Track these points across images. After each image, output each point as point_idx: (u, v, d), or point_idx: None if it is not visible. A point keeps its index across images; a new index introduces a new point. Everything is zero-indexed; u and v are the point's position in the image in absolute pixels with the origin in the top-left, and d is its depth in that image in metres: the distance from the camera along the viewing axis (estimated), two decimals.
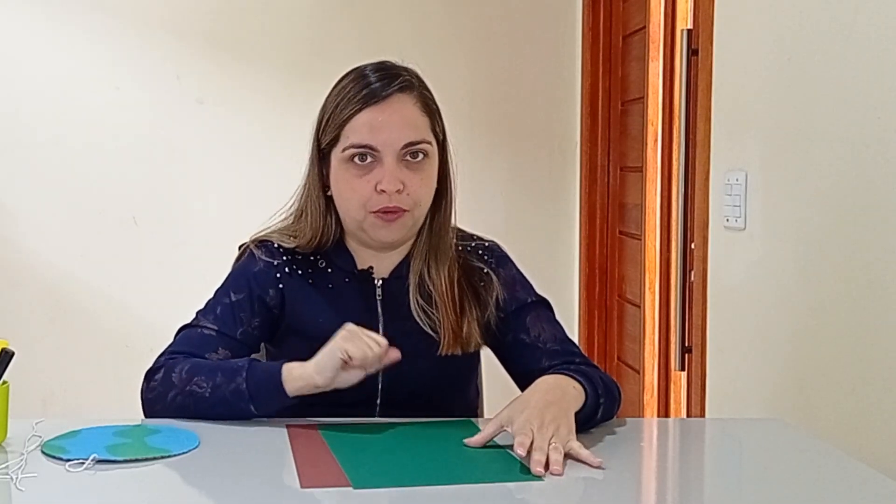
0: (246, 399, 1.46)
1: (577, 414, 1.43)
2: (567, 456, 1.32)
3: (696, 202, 2.39)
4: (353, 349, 1.41)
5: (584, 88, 3.54)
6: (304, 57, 3.50)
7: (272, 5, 3.54)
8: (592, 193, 3.50)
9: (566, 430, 1.36)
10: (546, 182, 3.66)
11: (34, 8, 3.43)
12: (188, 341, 1.58)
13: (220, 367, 1.50)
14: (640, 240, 3.09)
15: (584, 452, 1.33)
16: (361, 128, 1.54)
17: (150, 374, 1.55)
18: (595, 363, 1.67)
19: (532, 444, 1.31)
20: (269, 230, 1.67)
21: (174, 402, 1.50)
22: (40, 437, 1.34)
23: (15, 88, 3.46)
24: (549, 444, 1.32)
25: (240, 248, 1.69)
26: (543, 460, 1.29)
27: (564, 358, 1.59)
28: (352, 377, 1.44)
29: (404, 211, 1.56)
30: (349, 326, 1.46)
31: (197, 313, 1.62)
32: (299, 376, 1.45)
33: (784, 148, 1.96)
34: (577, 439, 1.36)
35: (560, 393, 1.43)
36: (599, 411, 1.49)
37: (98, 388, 3.47)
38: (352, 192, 1.56)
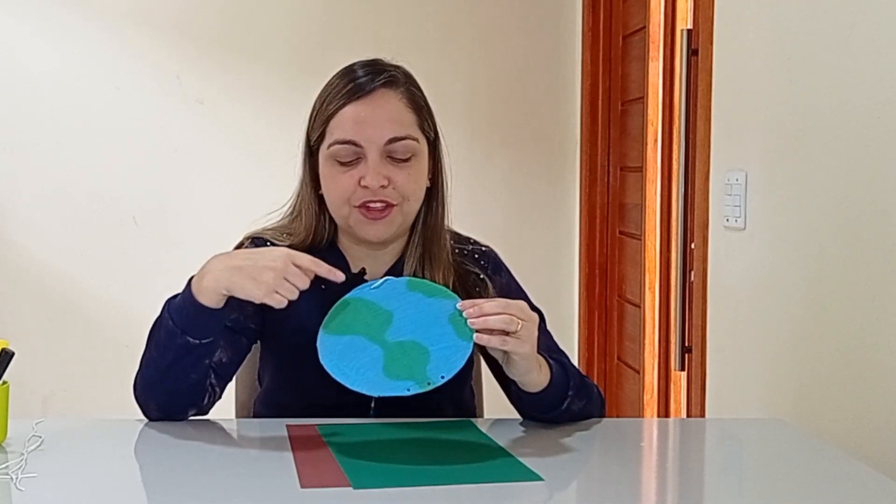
0: (179, 333, 1.45)
1: (544, 391, 1.46)
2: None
3: (696, 202, 2.39)
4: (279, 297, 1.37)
5: (584, 88, 3.54)
6: (304, 57, 3.50)
7: (272, 6, 3.54)
8: (592, 193, 3.50)
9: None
10: (546, 182, 3.66)
11: (34, 8, 3.43)
12: None
13: (152, 327, 1.50)
14: (640, 240, 3.09)
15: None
16: (345, 123, 1.54)
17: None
18: (589, 368, 1.66)
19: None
20: (265, 227, 1.67)
21: (143, 384, 1.50)
22: (40, 437, 1.34)
23: (15, 88, 3.46)
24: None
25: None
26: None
27: None
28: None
29: (392, 206, 1.55)
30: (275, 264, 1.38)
31: None
32: (207, 286, 1.43)
33: (784, 148, 1.96)
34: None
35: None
36: (565, 402, 1.49)
37: (98, 388, 3.46)
38: (335, 187, 1.56)
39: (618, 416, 3.24)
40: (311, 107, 1.60)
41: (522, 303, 1.42)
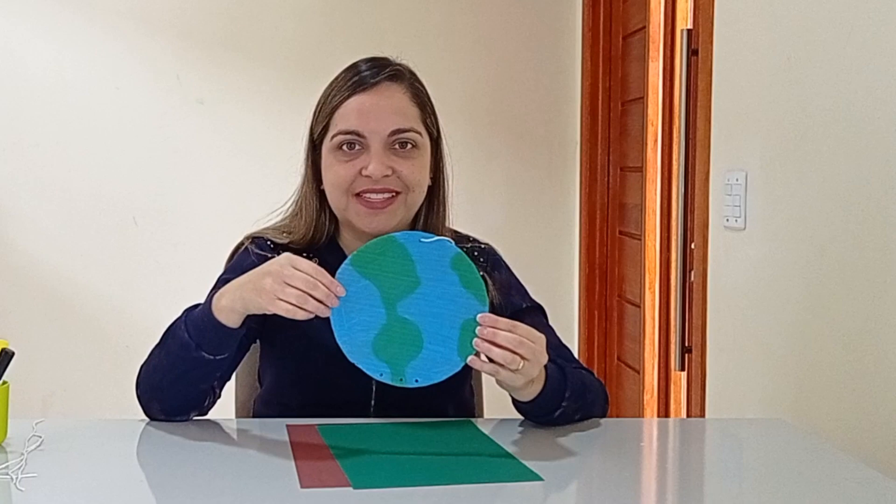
0: (195, 347, 1.44)
1: (533, 401, 1.44)
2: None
3: (696, 202, 2.39)
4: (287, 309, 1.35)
5: (584, 88, 3.54)
6: (304, 56, 3.51)
7: (273, 6, 3.54)
8: (592, 193, 3.50)
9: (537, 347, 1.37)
10: (546, 182, 3.66)
11: (34, 8, 3.43)
12: None
13: (166, 332, 1.49)
14: (640, 240, 3.09)
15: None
16: (350, 114, 1.54)
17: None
18: (589, 368, 1.65)
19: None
20: (264, 227, 1.67)
21: (149, 385, 1.50)
22: (40, 437, 1.34)
23: (15, 88, 3.46)
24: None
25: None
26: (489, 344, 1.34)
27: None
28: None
29: (396, 194, 1.54)
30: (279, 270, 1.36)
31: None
32: (225, 306, 1.42)
33: (784, 148, 1.96)
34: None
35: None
36: (558, 411, 1.48)
37: (98, 388, 3.47)
38: (334, 176, 1.55)
39: (618, 416, 3.23)
40: (315, 103, 1.61)
41: (542, 340, 1.39)
